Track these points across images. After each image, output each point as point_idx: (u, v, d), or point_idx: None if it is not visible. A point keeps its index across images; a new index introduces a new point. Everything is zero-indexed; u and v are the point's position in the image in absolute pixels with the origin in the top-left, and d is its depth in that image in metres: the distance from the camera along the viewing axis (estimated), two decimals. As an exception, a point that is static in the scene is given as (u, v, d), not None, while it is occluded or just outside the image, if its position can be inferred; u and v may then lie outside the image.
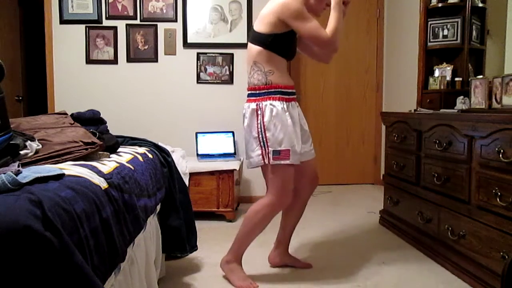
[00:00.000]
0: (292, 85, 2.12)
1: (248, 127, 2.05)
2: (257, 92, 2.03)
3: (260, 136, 2.00)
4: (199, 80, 3.78)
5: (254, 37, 2.04)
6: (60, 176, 1.11)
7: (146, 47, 3.74)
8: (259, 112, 2.00)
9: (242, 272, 2.14)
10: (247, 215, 2.13)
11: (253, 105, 2.03)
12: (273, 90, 2.01)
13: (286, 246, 2.34)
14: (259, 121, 2.00)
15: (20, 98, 4.22)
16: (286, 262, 2.33)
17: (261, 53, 2.01)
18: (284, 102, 2.02)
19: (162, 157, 2.10)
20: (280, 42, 2.00)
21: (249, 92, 2.07)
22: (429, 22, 3.16)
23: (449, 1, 3.05)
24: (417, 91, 3.24)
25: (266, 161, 2.01)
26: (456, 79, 3.03)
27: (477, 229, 2.06)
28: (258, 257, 2.39)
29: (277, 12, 1.94)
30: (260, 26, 2.00)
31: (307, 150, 2.18)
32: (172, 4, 3.71)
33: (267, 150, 2.00)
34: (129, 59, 3.75)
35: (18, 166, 1.15)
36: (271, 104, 2.00)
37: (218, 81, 3.77)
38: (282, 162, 1.99)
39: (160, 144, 2.23)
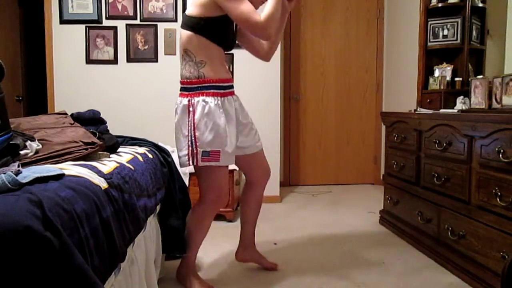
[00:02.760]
0: (229, 78, 1.95)
1: (179, 124, 1.89)
2: (189, 86, 1.87)
3: (190, 135, 1.85)
4: (199, 80, 3.78)
5: (185, 21, 1.86)
6: (60, 176, 1.11)
7: (146, 47, 3.74)
8: (190, 108, 1.84)
9: (197, 279, 2.05)
10: (187, 220, 2.06)
11: (185, 101, 1.87)
12: (206, 84, 1.85)
13: (251, 242, 2.26)
14: (189, 119, 1.84)
15: (20, 98, 4.22)
16: (253, 258, 2.27)
17: (192, 39, 1.83)
18: (219, 98, 1.87)
19: (162, 157, 2.10)
20: (213, 27, 1.81)
21: (182, 86, 1.91)
22: (429, 22, 3.16)
23: (449, 1, 3.05)
24: (417, 91, 3.25)
25: (192, 162, 1.86)
26: (456, 79, 3.03)
27: (477, 229, 2.06)
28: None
29: None
30: (192, 9, 1.83)
31: (251, 144, 2.06)
32: (172, 4, 3.71)
33: (195, 151, 1.85)
34: (129, 59, 3.75)
35: (18, 166, 1.15)
36: (203, 101, 1.84)
37: (218, 81, 3.76)
38: (212, 163, 1.86)
39: (160, 144, 2.23)
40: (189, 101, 1.86)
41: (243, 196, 2.22)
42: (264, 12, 1.78)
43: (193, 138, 1.85)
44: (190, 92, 1.87)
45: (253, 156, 2.10)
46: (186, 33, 1.84)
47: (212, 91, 1.87)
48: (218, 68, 1.89)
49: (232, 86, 1.98)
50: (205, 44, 1.84)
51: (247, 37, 2.08)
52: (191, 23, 1.82)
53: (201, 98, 1.85)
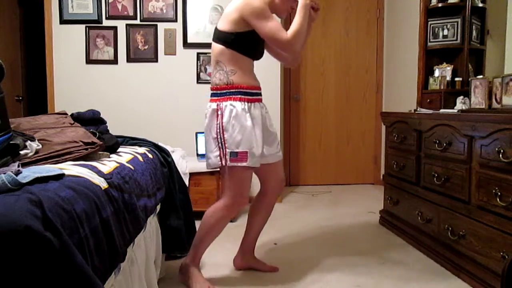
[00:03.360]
0: (257, 86, 2.05)
1: (208, 127, 1.99)
2: (219, 92, 1.97)
3: (219, 137, 1.94)
4: (199, 80, 3.78)
5: (217, 35, 1.98)
6: (60, 176, 1.11)
7: (146, 47, 3.74)
8: (219, 112, 1.94)
9: (200, 276, 2.08)
10: (204, 216, 2.09)
11: (213, 105, 1.97)
12: (234, 90, 1.95)
13: (251, 249, 2.28)
14: (218, 122, 1.94)
15: (20, 98, 4.22)
16: (251, 265, 2.28)
17: (224, 52, 1.95)
18: (246, 103, 1.96)
19: (162, 157, 2.10)
20: (243, 41, 1.94)
21: (212, 92, 2.02)
22: (429, 22, 3.16)
23: (449, 1, 3.05)
24: (417, 91, 3.25)
25: (223, 163, 1.95)
26: (456, 79, 3.03)
27: (477, 229, 2.06)
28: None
29: (239, 10, 1.88)
30: (223, 24, 1.94)
31: (272, 153, 2.12)
32: (172, 4, 3.71)
33: (224, 152, 1.94)
34: (129, 59, 3.75)
35: (18, 166, 1.15)
36: (231, 105, 1.94)
37: (218, 81, 3.77)
38: (239, 164, 1.94)
39: (160, 144, 2.23)
40: (217, 105, 1.96)
41: (254, 204, 2.23)
42: (291, 29, 1.90)
43: (222, 140, 1.94)
44: (219, 97, 1.97)
45: (272, 166, 2.14)
46: (218, 46, 1.96)
47: (239, 96, 1.96)
48: (246, 76, 2.00)
49: (260, 94, 2.07)
50: (236, 56, 1.95)
51: (274, 49, 2.16)
52: (223, 38, 1.94)
53: (228, 102, 1.95)
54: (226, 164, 1.95)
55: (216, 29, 1.99)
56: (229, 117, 1.93)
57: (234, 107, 1.94)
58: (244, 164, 1.94)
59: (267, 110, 2.13)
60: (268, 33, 1.88)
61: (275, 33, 1.87)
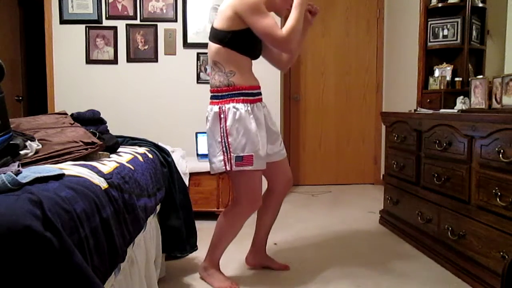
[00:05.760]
0: (257, 85, 2.01)
1: (211, 131, 1.96)
2: (220, 94, 1.93)
3: (223, 141, 1.91)
4: (199, 80, 3.78)
5: (213, 34, 1.92)
6: (60, 176, 1.11)
7: (146, 47, 3.74)
8: (222, 115, 1.91)
9: (221, 275, 2.11)
10: (218, 221, 2.10)
11: (215, 108, 1.93)
12: (236, 92, 1.91)
13: (263, 247, 2.30)
14: (221, 126, 1.91)
15: (20, 98, 4.22)
16: (263, 264, 2.30)
17: (220, 52, 1.89)
18: (248, 104, 1.93)
19: (162, 157, 2.10)
20: (240, 40, 1.87)
21: (212, 94, 1.98)
22: (429, 22, 3.16)
23: (449, 1, 3.05)
24: (417, 91, 3.25)
25: (228, 168, 1.92)
26: (456, 79, 3.03)
27: (477, 229, 2.06)
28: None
29: (233, 6, 1.82)
30: (218, 22, 1.89)
31: (276, 151, 2.11)
32: (172, 4, 3.71)
33: (229, 156, 1.91)
34: (129, 59, 3.75)
35: (18, 166, 1.15)
36: (234, 107, 1.90)
37: (218, 81, 3.77)
38: (245, 168, 1.92)
39: (160, 144, 2.23)
40: (220, 108, 1.92)
41: (262, 203, 2.21)
42: (286, 26, 1.84)
43: (226, 144, 1.91)
44: (221, 100, 1.93)
45: (278, 164, 2.14)
46: (215, 46, 1.91)
47: (242, 97, 1.92)
48: (246, 76, 1.96)
49: (260, 93, 2.04)
50: (233, 56, 1.90)
51: (268, 49, 2.11)
52: (218, 36, 1.89)
53: (231, 105, 1.91)
54: (232, 169, 1.92)
55: (212, 27, 1.94)
56: (233, 120, 1.89)
57: (237, 109, 1.90)
58: (250, 167, 1.92)
59: (268, 109, 2.10)
60: (263, 29, 1.81)
61: (270, 29, 1.80)
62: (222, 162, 1.93)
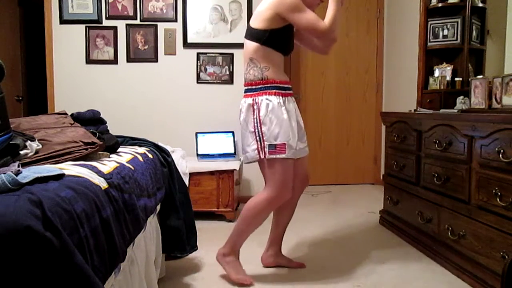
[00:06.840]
0: (288, 81, 2.11)
1: (245, 122, 2.05)
2: (254, 87, 2.04)
3: (256, 130, 2.00)
4: (199, 80, 3.78)
5: (250, 33, 2.05)
6: (60, 176, 1.11)
7: (146, 47, 3.74)
8: (255, 107, 2.00)
9: (239, 265, 2.14)
10: (246, 208, 2.12)
11: (249, 100, 2.03)
12: (269, 85, 2.01)
13: (278, 247, 2.32)
14: (255, 116, 2.00)
15: (20, 98, 4.22)
16: (279, 263, 2.31)
17: (258, 50, 2.02)
18: (280, 97, 2.02)
19: (162, 157, 2.10)
20: (277, 38, 2.00)
21: (246, 87, 2.08)
22: (429, 22, 3.16)
23: (449, 1, 3.05)
24: (417, 91, 3.24)
25: (262, 156, 2.00)
26: (456, 79, 3.03)
27: (477, 229, 2.06)
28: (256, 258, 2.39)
29: (274, 7, 1.95)
30: (256, 22, 2.01)
31: (301, 147, 2.15)
32: (172, 4, 3.71)
33: (263, 145, 1.99)
34: (129, 59, 3.75)
35: (18, 166, 1.15)
36: (267, 99, 2.00)
37: (218, 81, 3.77)
38: (278, 156, 1.99)
39: (160, 144, 2.23)
40: (253, 100, 2.02)
41: None
42: (327, 17, 2.00)
43: (260, 133, 2.00)
44: (254, 92, 2.03)
45: (299, 161, 2.16)
46: (252, 44, 2.04)
47: (274, 90, 2.02)
48: (279, 71, 2.06)
49: (290, 88, 2.13)
50: (269, 52, 2.02)
51: (306, 38, 2.23)
52: (256, 35, 2.02)
53: (264, 97, 2.01)
54: (265, 156, 2.00)
55: (249, 26, 2.06)
56: (266, 111, 1.98)
57: (270, 101, 1.99)
58: (283, 155, 1.99)
59: (296, 105, 2.16)
60: (307, 24, 1.94)
61: (314, 23, 1.94)
62: (256, 151, 2.01)
